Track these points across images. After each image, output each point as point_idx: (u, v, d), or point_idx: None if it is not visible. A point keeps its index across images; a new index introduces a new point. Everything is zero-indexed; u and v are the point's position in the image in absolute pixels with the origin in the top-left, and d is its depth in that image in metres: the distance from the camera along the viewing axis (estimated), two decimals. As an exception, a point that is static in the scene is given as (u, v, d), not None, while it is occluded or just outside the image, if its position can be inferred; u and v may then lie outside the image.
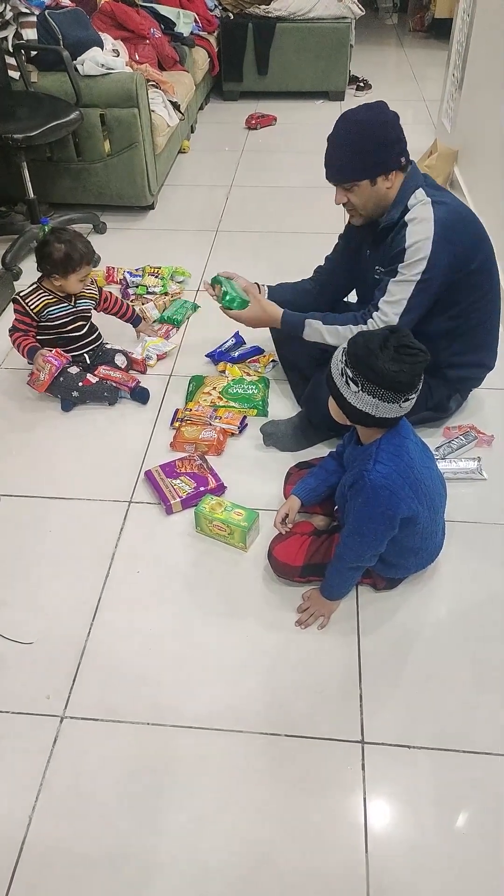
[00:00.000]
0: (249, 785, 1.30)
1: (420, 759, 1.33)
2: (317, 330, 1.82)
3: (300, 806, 1.27)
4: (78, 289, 2.13)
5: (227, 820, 1.26)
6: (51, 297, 2.12)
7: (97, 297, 2.25)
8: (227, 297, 1.91)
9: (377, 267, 1.78)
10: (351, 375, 1.28)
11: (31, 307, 2.11)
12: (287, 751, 1.35)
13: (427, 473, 1.40)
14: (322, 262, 2.08)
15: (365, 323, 1.75)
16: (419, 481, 1.36)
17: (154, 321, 2.53)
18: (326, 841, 1.23)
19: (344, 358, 1.30)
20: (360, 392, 1.27)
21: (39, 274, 2.13)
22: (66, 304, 2.15)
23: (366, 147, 1.64)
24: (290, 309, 1.92)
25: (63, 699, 1.43)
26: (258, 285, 2.05)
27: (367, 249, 1.87)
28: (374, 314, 1.73)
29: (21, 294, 2.13)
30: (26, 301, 2.11)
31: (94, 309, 2.26)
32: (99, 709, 1.42)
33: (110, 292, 2.34)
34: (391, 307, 1.70)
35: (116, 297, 2.34)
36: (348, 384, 1.29)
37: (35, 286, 2.14)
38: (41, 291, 2.12)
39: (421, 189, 1.68)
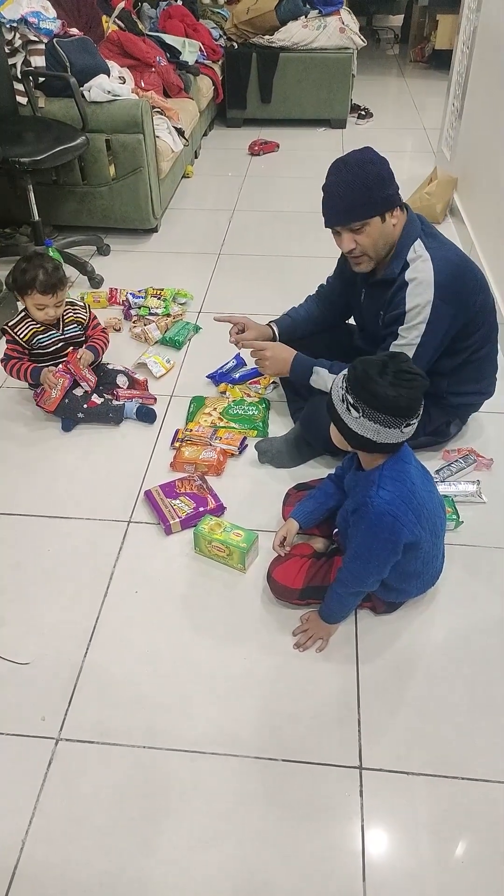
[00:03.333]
0: (245, 810, 1.29)
1: (418, 785, 1.32)
2: (322, 380, 1.82)
3: (297, 832, 1.26)
4: (39, 316, 2.10)
5: (222, 846, 1.24)
6: (38, 325, 2.12)
7: (85, 321, 2.23)
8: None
9: (381, 312, 1.78)
10: (352, 401, 1.28)
11: (21, 336, 2.11)
12: (284, 776, 1.34)
13: (428, 497, 1.41)
14: (322, 282, 2.10)
15: None
16: (421, 506, 1.36)
17: (155, 342, 2.55)
18: (323, 868, 1.21)
19: (344, 384, 1.30)
20: (362, 418, 1.28)
21: None
22: (53, 332, 2.15)
23: (372, 182, 1.61)
24: (301, 335, 1.99)
25: (58, 721, 1.42)
26: (271, 327, 2.06)
27: (362, 288, 1.87)
28: None
29: (9, 324, 2.12)
30: (14, 330, 2.10)
31: (85, 333, 2.24)
32: (94, 731, 1.40)
33: (98, 323, 2.31)
34: None
35: (97, 324, 2.30)
36: (349, 410, 1.29)
37: (23, 314, 2.13)
38: (29, 320, 2.12)
39: (420, 241, 1.67)
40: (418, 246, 1.67)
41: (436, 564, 1.55)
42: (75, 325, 2.20)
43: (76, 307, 2.22)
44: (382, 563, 1.38)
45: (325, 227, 1.73)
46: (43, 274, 2.02)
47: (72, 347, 2.20)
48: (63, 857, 1.23)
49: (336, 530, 1.65)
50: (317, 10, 4.56)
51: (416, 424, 1.32)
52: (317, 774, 1.34)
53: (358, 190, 1.62)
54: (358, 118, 4.98)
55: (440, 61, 6.12)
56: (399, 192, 1.67)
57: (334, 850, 1.24)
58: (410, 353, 1.67)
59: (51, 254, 2.67)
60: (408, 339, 1.68)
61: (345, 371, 1.33)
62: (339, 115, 4.81)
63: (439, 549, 1.53)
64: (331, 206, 1.68)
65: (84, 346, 2.22)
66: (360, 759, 1.35)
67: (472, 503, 1.88)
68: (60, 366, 2.13)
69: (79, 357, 2.15)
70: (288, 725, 1.41)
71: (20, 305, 2.15)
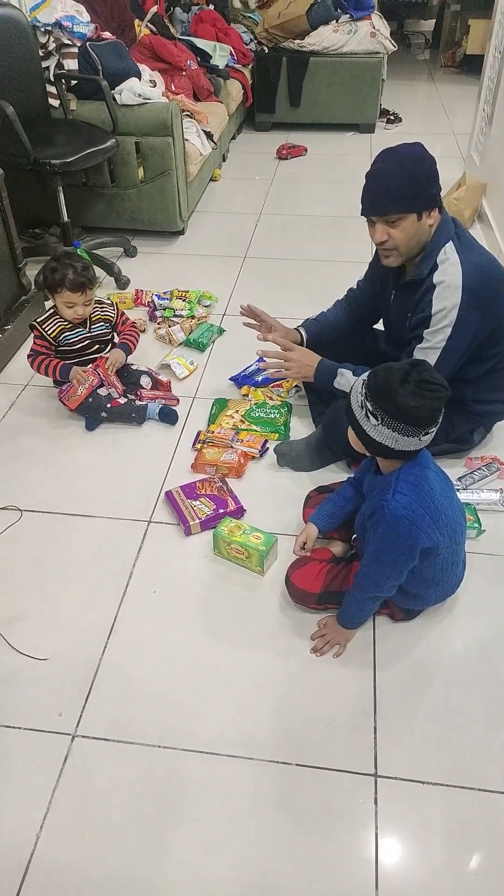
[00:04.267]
0: (258, 813, 1.28)
1: (433, 795, 1.30)
2: (348, 380, 1.82)
3: (310, 837, 1.25)
4: (68, 314, 2.13)
5: (234, 848, 1.24)
6: (66, 322, 2.15)
7: (113, 319, 2.26)
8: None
9: (409, 314, 1.77)
10: (371, 409, 1.27)
11: (48, 332, 2.14)
12: (298, 780, 1.33)
13: (448, 503, 1.39)
14: (352, 286, 2.09)
15: None
16: (440, 511, 1.35)
17: (179, 344, 2.57)
18: (336, 875, 1.21)
19: (364, 391, 1.29)
20: (380, 425, 1.27)
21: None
22: (80, 329, 2.17)
23: (419, 178, 1.60)
24: (328, 339, 2.02)
25: (75, 717, 1.43)
26: (299, 331, 2.06)
27: (392, 291, 1.86)
28: None
29: (37, 320, 2.16)
30: (43, 326, 2.14)
31: (113, 331, 2.28)
32: (111, 728, 1.41)
33: (128, 318, 2.35)
34: None
35: (126, 319, 2.34)
36: (368, 417, 1.28)
37: (51, 311, 2.17)
38: (57, 317, 2.16)
39: (451, 244, 1.65)
40: (449, 248, 1.65)
41: (455, 572, 1.54)
42: (103, 323, 2.23)
43: (104, 306, 2.25)
44: (399, 567, 1.37)
45: (362, 214, 1.69)
46: (73, 273, 2.05)
47: (98, 346, 2.22)
48: (76, 853, 1.23)
49: (355, 535, 1.65)
50: (348, 15, 4.56)
51: (436, 432, 1.31)
52: (331, 780, 1.33)
53: (406, 181, 1.59)
54: (387, 123, 4.97)
55: (471, 66, 6.08)
56: (440, 191, 1.65)
57: (347, 857, 1.23)
58: (435, 357, 1.66)
59: (79, 254, 2.70)
60: (432, 343, 1.67)
61: (364, 376, 1.32)
62: (367, 119, 4.80)
63: (459, 556, 1.52)
64: (374, 193, 1.64)
65: (116, 347, 2.25)
66: (376, 767, 1.35)
67: (494, 512, 1.86)
68: (90, 366, 2.15)
69: (113, 361, 2.19)
70: (303, 730, 1.41)
71: (48, 304, 2.18)
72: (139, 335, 2.34)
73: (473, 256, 1.67)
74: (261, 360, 2.39)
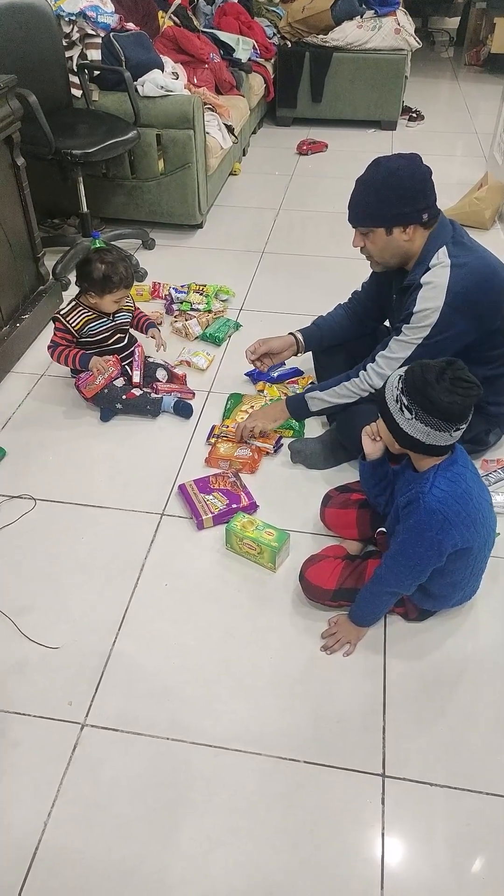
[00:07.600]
0: (264, 809, 1.28)
1: (442, 797, 1.30)
2: (320, 400, 1.88)
3: (315, 835, 1.25)
4: (112, 309, 2.15)
5: (239, 843, 1.24)
6: (91, 313, 2.15)
7: (132, 309, 2.28)
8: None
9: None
10: (406, 403, 1.30)
11: (73, 325, 2.14)
12: (305, 777, 1.33)
13: (485, 506, 1.40)
14: (357, 288, 2.10)
15: (357, 376, 1.81)
16: (476, 511, 1.35)
17: (195, 338, 2.56)
18: (341, 874, 1.20)
19: (400, 385, 1.31)
20: (414, 419, 1.29)
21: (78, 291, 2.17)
22: (105, 319, 2.18)
23: (388, 195, 1.64)
24: (329, 344, 2.07)
25: (85, 707, 1.43)
26: (294, 336, 2.09)
27: (394, 294, 1.87)
28: (369, 365, 1.78)
29: (61, 312, 2.16)
30: (67, 319, 2.14)
31: (132, 321, 2.29)
32: (119, 719, 1.42)
33: (141, 310, 2.37)
34: (387, 362, 1.75)
35: (140, 311, 2.37)
36: (402, 411, 1.31)
37: (74, 303, 2.17)
38: (81, 308, 2.16)
39: (444, 248, 1.65)
40: (442, 252, 1.66)
41: (478, 580, 1.54)
42: (126, 313, 2.24)
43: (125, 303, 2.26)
44: (423, 562, 1.36)
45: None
46: (126, 269, 2.09)
47: (119, 334, 2.23)
48: (82, 843, 1.24)
49: (379, 529, 1.65)
50: (373, 11, 4.53)
51: (465, 429, 1.32)
52: (339, 779, 1.33)
53: (371, 199, 1.67)
54: (409, 120, 4.93)
55: (496, 65, 6.04)
56: (424, 212, 1.64)
57: (353, 857, 1.23)
58: (409, 352, 1.69)
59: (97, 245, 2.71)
60: (409, 339, 1.68)
61: (401, 371, 1.34)
62: (389, 116, 4.76)
63: (486, 563, 1.51)
64: (350, 203, 1.75)
65: (146, 326, 2.33)
66: (384, 767, 1.34)
67: (509, 515, 1.85)
68: (113, 357, 2.16)
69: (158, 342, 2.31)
70: (312, 728, 1.41)
71: (66, 296, 2.18)
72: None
73: (467, 260, 1.66)
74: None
